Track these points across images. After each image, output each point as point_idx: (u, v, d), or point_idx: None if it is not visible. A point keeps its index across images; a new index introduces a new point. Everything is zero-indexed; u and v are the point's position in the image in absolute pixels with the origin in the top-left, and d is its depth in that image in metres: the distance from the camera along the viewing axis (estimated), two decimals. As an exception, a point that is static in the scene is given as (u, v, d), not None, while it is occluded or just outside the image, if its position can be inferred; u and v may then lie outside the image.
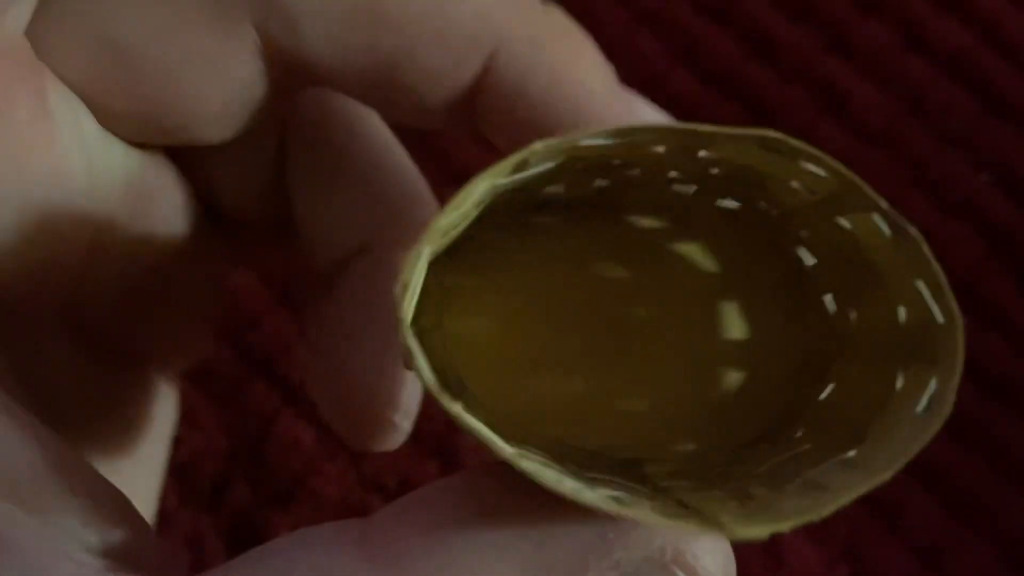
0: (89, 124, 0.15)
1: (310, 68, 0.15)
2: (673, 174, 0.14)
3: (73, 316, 0.17)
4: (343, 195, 0.18)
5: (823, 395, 0.13)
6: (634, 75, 0.31)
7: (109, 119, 0.15)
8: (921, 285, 0.13)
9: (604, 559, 0.12)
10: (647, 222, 0.15)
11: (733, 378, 0.13)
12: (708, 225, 0.14)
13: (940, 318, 0.12)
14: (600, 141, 0.12)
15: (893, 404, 0.13)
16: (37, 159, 0.14)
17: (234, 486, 0.26)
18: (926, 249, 0.12)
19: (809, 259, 0.14)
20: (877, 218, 0.13)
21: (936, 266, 0.12)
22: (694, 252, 0.14)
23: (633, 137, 0.13)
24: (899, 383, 0.13)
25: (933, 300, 0.13)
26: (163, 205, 0.17)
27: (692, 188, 0.14)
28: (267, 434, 0.27)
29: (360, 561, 0.12)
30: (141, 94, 0.15)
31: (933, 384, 0.12)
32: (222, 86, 0.15)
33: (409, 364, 0.11)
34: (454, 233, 0.13)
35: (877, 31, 0.31)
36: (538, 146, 0.12)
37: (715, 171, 0.13)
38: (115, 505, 0.13)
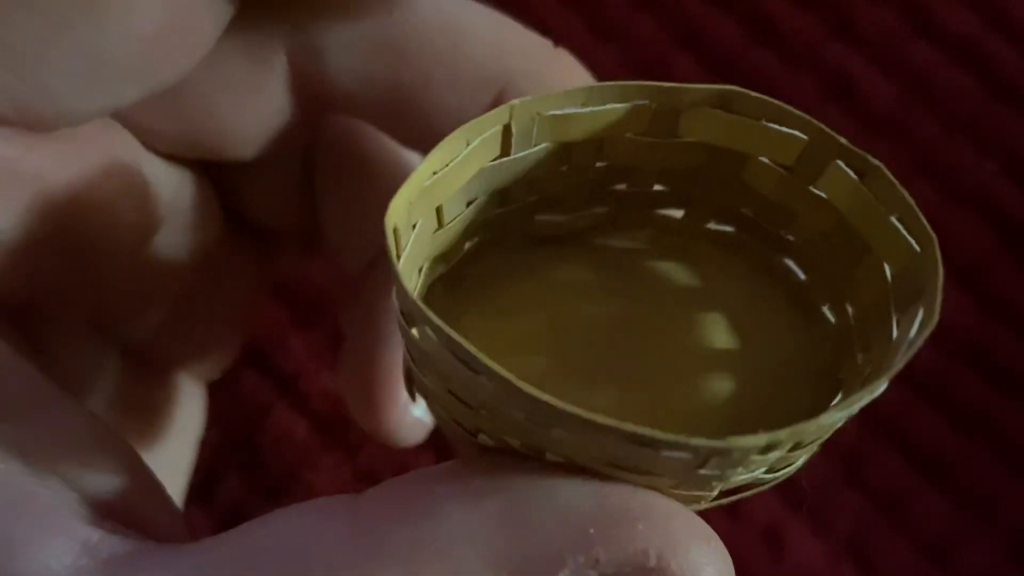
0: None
1: (334, 96, 0.16)
2: (658, 187, 0.14)
3: (107, 324, 0.17)
4: (367, 205, 0.19)
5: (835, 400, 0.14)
6: (635, 61, 0.31)
7: (151, 137, 0.16)
8: (895, 220, 0.13)
9: (582, 555, 0.11)
10: (627, 243, 0.15)
11: (725, 387, 0.13)
12: (704, 251, 0.15)
13: (916, 247, 0.13)
14: (572, 109, 0.14)
15: (890, 353, 0.13)
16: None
17: (226, 478, 0.26)
18: (889, 175, 0.13)
19: (800, 274, 0.14)
20: (842, 166, 0.13)
21: (902, 190, 0.13)
22: (674, 270, 0.15)
23: (603, 97, 0.14)
24: (894, 334, 0.13)
25: (908, 232, 0.13)
26: (197, 217, 0.18)
27: (680, 212, 0.14)
28: (260, 426, 0.27)
29: (345, 532, 0.12)
30: (183, 116, 0.16)
31: (920, 312, 0.12)
32: (256, 111, 0.16)
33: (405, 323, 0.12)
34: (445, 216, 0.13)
35: (883, 16, 0.31)
36: (516, 102, 0.13)
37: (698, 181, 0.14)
38: (123, 466, 0.14)
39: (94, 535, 0.13)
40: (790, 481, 0.27)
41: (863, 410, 0.28)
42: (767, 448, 0.11)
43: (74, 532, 0.12)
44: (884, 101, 0.30)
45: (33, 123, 0.14)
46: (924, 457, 0.27)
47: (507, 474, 0.12)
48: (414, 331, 0.12)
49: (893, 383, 0.28)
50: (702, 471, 0.11)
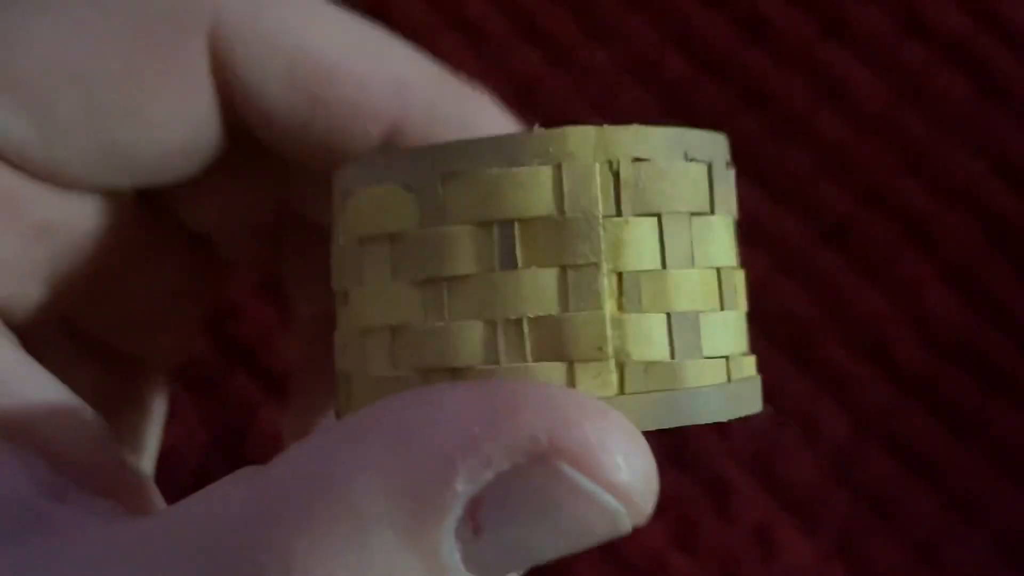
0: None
1: (249, 101, 0.15)
2: None
3: (76, 325, 0.18)
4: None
5: None
6: (627, 60, 0.31)
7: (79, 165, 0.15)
8: None
9: (472, 456, 0.11)
10: None
11: None
12: None
13: None
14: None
15: None
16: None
17: (215, 479, 0.26)
18: None
19: None
20: None
21: None
22: None
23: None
24: None
25: None
26: (146, 247, 0.18)
27: None
28: (249, 426, 0.26)
29: (244, 493, 0.12)
30: (103, 128, 0.14)
31: None
32: (178, 117, 0.15)
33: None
34: None
35: (875, 16, 0.31)
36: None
37: None
38: (80, 430, 0.14)
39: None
40: (780, 480, 0.27)
41: (853, 410, 0.28)
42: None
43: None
44: (875, 100, 0.30)
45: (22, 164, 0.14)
46: (914, 457, 0.27)
47: (392, 402, 0.11)
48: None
49: (883, 382, 0.28)
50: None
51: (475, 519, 0.11)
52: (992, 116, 0.30)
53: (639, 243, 0.13)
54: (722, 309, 0.14)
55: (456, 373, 0.12)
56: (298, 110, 0.15)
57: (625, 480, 0.11)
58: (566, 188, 0.12)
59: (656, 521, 0.26)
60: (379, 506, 0.11)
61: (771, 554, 0.26)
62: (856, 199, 0.29)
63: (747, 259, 0.28)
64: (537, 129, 0.12)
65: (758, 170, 0.29)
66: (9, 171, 0.14)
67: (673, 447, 0.27)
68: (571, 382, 0.12)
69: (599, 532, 0.11)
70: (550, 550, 0.11)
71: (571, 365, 0.12)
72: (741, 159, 0.29)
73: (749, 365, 0.15)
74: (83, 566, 0.11)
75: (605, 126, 0.13)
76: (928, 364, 0.28)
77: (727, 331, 0.14)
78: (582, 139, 0.12)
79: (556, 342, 0.12)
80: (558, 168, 0.12)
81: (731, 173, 0.15)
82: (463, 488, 0.11)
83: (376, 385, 0.13)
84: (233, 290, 0.27)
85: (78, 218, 0.15)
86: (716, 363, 0.13)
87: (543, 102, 0.30)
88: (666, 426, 0.13)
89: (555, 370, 0.12)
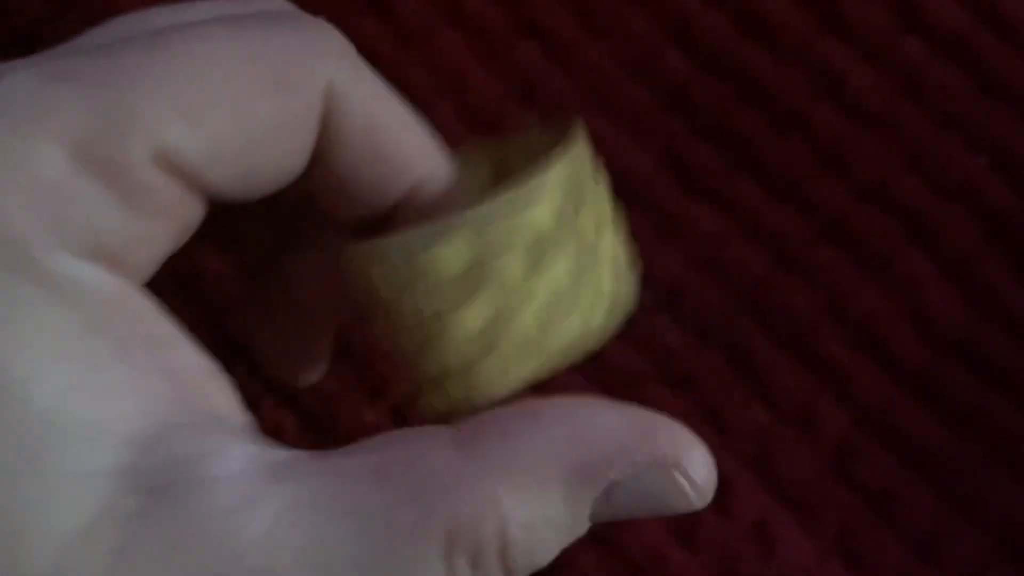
0: None
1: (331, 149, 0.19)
2: None
3: None
4: None
5: None
6: (625, 56, 0.31)
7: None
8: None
9: (624, 458, 0.16)
10: None
11: None
12: None
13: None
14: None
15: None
16: None
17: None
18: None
19: None
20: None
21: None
22: None
23: None
24: None
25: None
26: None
27: None
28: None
29: (451, 449, 0.16)
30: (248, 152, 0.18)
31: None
32: (294, 151, 0.18)
33: None
34: None
35: (874, 12, 0.31)
36: None
37: None
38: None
39: (253, 447, 0.16)
40: (779, 476, 0.27)
41: (853, 405, 0.28)
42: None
43: (241, 446, 0.16)
44: (874, 96, 0.30)
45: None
46: (913, 453, 0.27)
47: (562, 402, 0.16)
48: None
49: (882, 378, 0.28)
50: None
51: (610, 494, 0.16)
52: (990, 111, 0.30)
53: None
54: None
55: None
56: (362, 161, 0.19)
57: (704, 482, 0.17)
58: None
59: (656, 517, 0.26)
60: (557, 473, 0.16)
61: (770, 550, 0.26)
62: (855, 195, 0.29)
63: (746, 255, 0.29)
64: None
65: (757, 166, 0.30)
66: (180, 183, 0.17)
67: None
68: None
69: (678, 511, 0.17)
70: (641, 515, 0.17)
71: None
72: (740, 155, 0.30)
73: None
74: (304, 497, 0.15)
75: None
76: (927, 360, 0.28)
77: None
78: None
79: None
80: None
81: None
82: (613, 476, 0.16)
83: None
84: (229, 285, 0.28)
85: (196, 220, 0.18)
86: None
87: (542, 98, 0.30)
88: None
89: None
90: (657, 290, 0.28)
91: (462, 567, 0.15)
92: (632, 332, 0.28)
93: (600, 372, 0.28)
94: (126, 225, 0.16)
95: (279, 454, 0.16)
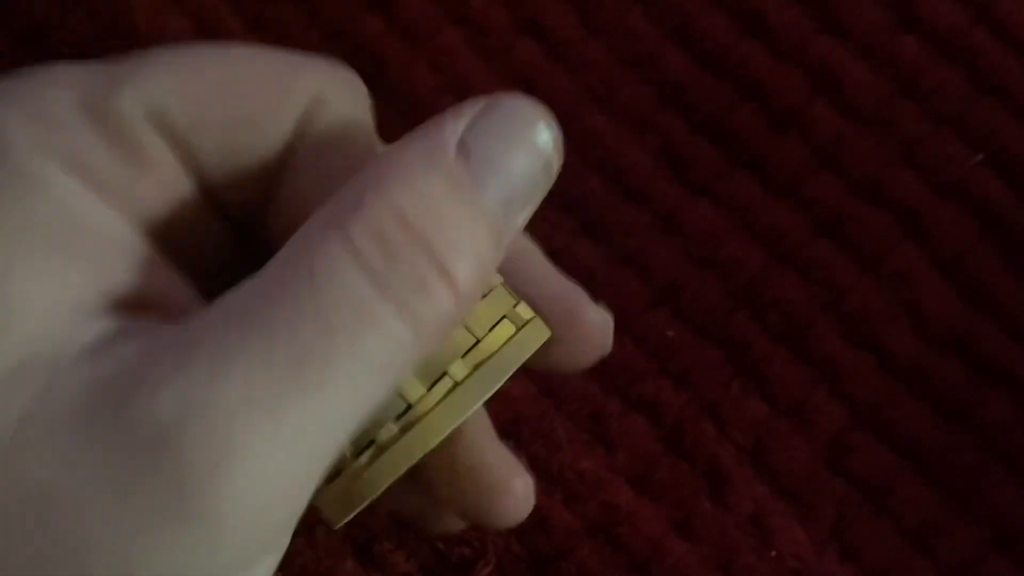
0: None
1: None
2: None
3: None
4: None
5: None
6: (625, 54, 0.31)
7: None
8: None
9: (454, 115, 0.17)
10: None
11: None
12: None
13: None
14: None
15: None
16: None
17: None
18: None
19: None
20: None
21: None
22: None
23: None
24: None
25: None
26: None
27: None
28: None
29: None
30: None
31: None
32: (279, 136, 0.19)
33: None
34: None
35: (871, 11, 0.31)
36: None
37: None
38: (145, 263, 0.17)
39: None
40: (776, 468, 0.27)
41: (848, 399, 0.28)
42: None
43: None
44: (871, 94, 0.30)
45: None
46: (908, 446, 0.27)
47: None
48: None
49: (877, 372, 0.29)
50: None
51: (466, 151, 0.16)
52: (985, 109, 0.30)
53: None
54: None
55: None
56: (321, 165, 0.19)
57: (541, 111, 0.18)
58: None
59: (655, 508, 0.27)
60: (412, 153, 0.16)
61: (767, 541, 0.26)
62: (851, 192, 0.29)
63: (744, 250, 0.29)
64: None
65: (754, 163, 0.30)
66: (166, 146, 0.18)
67: (671, 436, 0.27)
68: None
69: (535, 139, 0.17)
70: (521, 170, 0.17)
71: None
72: (738, 152, 0.30)
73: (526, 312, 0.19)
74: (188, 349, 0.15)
75: None
76: (921, 354, 0.28)
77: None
78: None
79: None
80: None
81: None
82: (450, 127, 0.17)
83: None
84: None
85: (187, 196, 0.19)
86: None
87: (543, 96, 0.30)
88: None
89: None
90: (655, 286, 0.29)
91: (369, 249, 0.15)
92: (631, 327, 0.28)
93: (599, 366, 0.28)
94: (112, 165, 0.17)
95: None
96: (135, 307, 0.16)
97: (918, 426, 0.27)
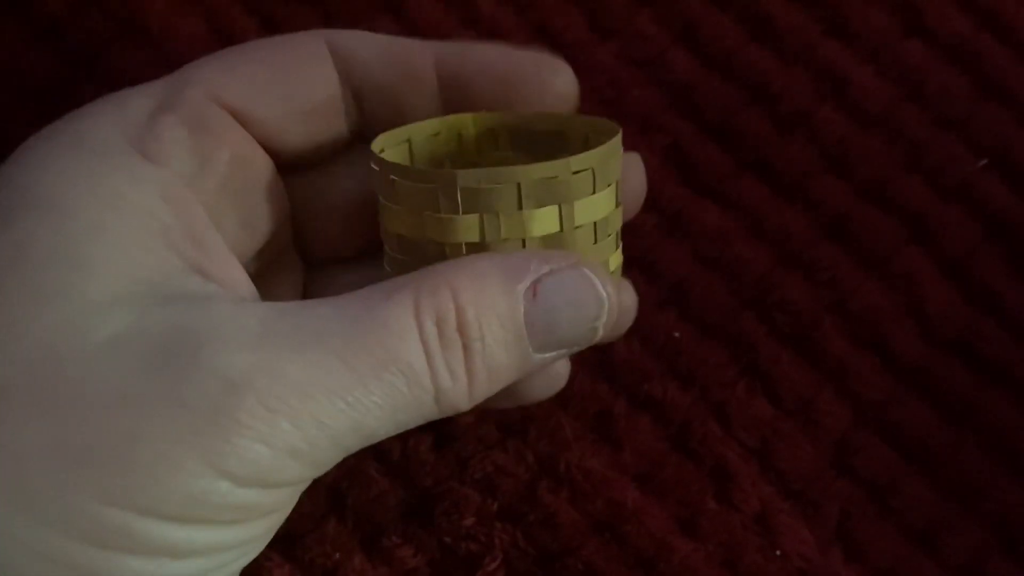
0: None
1: (359, 77, 0.24)
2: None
3: None
4: None
5: None
6: (634, 57, 0.31)
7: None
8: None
9: (541, 261, 0.20)
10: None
11: None
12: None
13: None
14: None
15: None
16: None
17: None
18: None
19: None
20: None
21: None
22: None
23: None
24: None
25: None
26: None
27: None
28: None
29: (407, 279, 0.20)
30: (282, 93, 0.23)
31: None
32: (319, 83, 0.23)
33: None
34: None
35: (877, 16, 0.31)
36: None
37: None
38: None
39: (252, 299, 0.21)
40: (781, 468, 0.28)
41: (853, 400, 0.28)
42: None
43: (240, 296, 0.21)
44: (876, 98, 0.30)
45: None
46: (912, 446, 0.28)
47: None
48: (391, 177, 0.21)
49: (882, 373, 0.29)
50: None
51: (535, 289, 0.20)
52: (990, 114, 0.30)
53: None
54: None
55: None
56: (389, 73, 0.23)
57: (608, 292, 0.21)
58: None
59: (661, 507, 0.27)
60: (492, 270, 0.20)
61: (772, 540, 0.26)
62: (856, 194, 0.30)
63: (750, 252, 0.29)
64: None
65: (761, 165, 0.30)
66: (232, 121, 0.22)
67: (678, 435, 0.27)
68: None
69: (591, 313, 0.20)
70: (570, 331, 0.20)
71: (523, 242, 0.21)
72: (745, 154, 0.30)
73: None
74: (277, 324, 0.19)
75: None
76: (926, 356, 0.28)
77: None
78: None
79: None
80: None
81: (618, 157, 0.22)
82: (534, 268, 0.20)
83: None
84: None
85: (258, 164, 0.23)
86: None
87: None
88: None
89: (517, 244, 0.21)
90: (662, 286, 0.29)
91: (429, 325, 0.19)
92: (638, 327, 0.28)
93: (606, 366, 0.28)
94: (190, 146, 0.21)
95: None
96: (209, 279, 0.20)
97: (923, 427, 0.28)
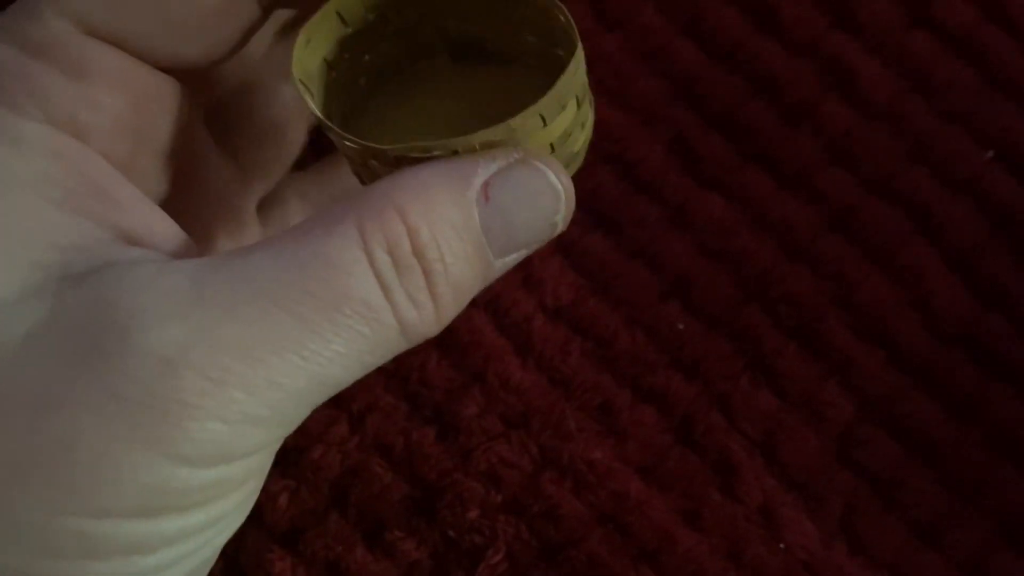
0: None
1: None
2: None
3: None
4: None
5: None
6: (639, 48, 0.31)
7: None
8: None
9: (488, 160, 0.18)
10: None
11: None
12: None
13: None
14: None
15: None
16: None
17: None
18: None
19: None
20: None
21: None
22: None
23: None
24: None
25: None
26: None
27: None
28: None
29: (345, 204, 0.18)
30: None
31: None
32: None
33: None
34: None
35: (883, 7, 0.31)
36: None
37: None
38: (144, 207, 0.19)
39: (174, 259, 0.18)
40: (785, 461, 0.28)
41: (858, 392, 0.28)
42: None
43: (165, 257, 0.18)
44: (882, 90, 0.30)
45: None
46: (917, 440, 0.27)
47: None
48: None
49: (886, 366, 0.29)
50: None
51: (486, 192, 0.18)
52: (996, 106, 0.30)
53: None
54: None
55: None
56: None
57: (563, 181, 0.19)
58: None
59: (664, 499, 0.27)
60: (439, 180, 0.18)
61: (776, 533, 0.26)
62: (862, 187, 0.30)
63: (755, 244, 0.29)
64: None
65: (766, 157, 0.30)
66: (114, 52, 0.19)
67: (682, 427, 0.27)
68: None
69: (548, 206, 0.19)
70: (528, 230, 0.19)
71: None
72: (750, 146, 0.30)
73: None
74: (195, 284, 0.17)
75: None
76: (931, 349, 0.28)
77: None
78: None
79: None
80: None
81: (580, 73, 0.20)
82: (481, 170, 0.18)
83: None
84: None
85: (160, 92, 0.20)
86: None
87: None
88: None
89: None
90: (666, 278, 0.29)
91: (380, 253, 0.17)
92: (642, 319, 0.28)
93: (610, 358, 0.28)
94: (71, 95, 0.19)
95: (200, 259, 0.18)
96: (128, 239, 0.18)
97: (927, 420, 0.28)
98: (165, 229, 0.19)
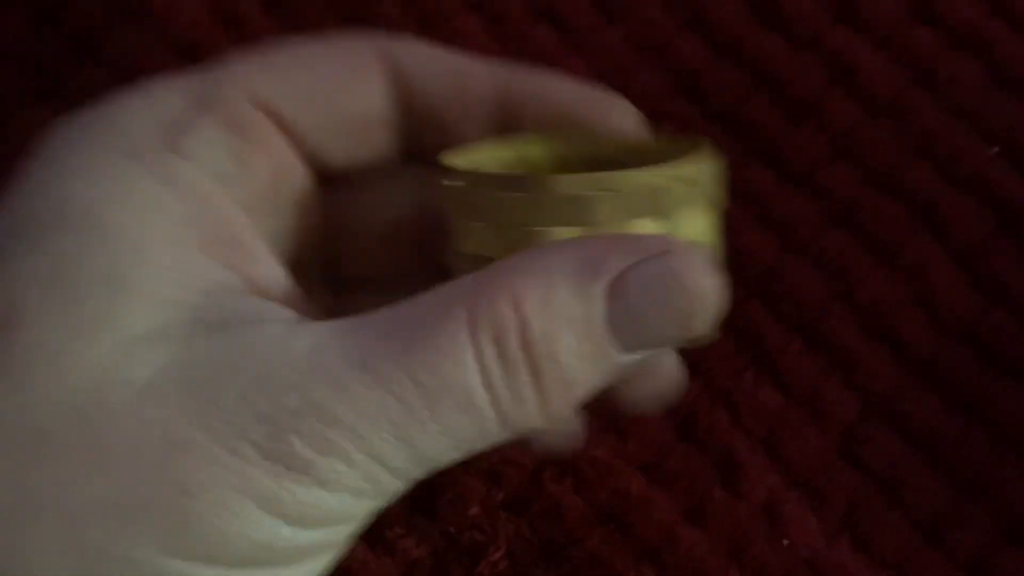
0: None
1: (414, 92, 0.22)
2: None
3: None
4: None
5: None
6: (641, 42, 0.31)
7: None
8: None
9: (623, 249, 0.17)
10: None
11: None
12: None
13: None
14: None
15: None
16: None
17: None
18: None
19: None
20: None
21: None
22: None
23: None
24: None
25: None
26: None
27: None
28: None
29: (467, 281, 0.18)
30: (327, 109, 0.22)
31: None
32: (366, 101, 0.22)
33: None
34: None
35: (887, 2, 0.31)
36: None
37: None
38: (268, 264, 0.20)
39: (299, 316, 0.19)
40: (788, 458, 0.28)
41: (861, 389, 0.28)
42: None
43: (290, 312, 0.19)
44: (887, 86, 0.30)
45: None
46: (920, 437, 0.27)
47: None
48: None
49: (890, 363, 0.29)
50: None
51: (618, 287, 0.17)
52: (1001, 102, 0.30)
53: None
54: None
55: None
56: (445, 93, 0.22)
57: (706, 283, 0.17)
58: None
59: (667, 496, 0.26)
60: (562, 266, 0.17)
61: (779, 530, 0.26)
62: (866, 183, 0.29)
63: (758, 240, 0.29)
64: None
65: (769, 153, 0.30)
66: (272, 126, 0.21)
67: (684, 424, 0.27)
68: None
69: (689, 314, 0.17)
70: (660, 331, 0.18)
71: None
72: (752, 141, 0.30)
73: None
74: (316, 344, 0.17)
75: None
76: (935, 346, 0.28)
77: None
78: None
79: None
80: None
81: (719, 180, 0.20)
82: (615, 262, 0.17)
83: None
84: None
85: (294, 173, 0.22)
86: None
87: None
88: None
89: None
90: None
91: (487, 344, 0.17)
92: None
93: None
94: (228, 148, 0.20)
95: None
96: (256, 290, 0.19)
97: (931, 417, 0.27)
98: (284, 283, 0.20)
